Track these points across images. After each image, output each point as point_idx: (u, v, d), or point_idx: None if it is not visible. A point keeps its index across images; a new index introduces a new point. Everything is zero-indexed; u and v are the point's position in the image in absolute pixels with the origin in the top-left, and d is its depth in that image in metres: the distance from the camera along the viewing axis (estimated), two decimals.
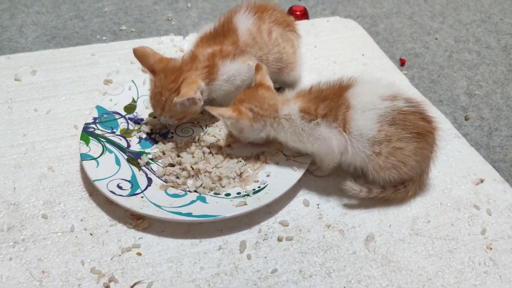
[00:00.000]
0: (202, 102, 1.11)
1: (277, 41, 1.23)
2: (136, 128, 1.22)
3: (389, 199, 1.05)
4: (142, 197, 1.02)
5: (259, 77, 1.11)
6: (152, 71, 1.14)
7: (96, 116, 1.20)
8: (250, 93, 1.08)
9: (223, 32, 1.19)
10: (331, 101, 1.01)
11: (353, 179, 1.05)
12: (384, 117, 0.97)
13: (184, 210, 0.99)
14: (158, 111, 1.14)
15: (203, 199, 1.04)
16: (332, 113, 1.00)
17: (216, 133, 1.21)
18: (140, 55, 1.15)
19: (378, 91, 1.00)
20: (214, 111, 1.05)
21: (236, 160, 1.14)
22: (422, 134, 0.99)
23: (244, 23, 1.20)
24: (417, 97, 1.07)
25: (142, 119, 1.25)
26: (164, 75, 1.11)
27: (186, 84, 1.08)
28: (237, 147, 1.17)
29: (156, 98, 1.12)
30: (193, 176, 1.09)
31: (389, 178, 1.01)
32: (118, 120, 1.22)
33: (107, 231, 0.99)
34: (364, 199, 1.05)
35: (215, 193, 1.06)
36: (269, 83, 1.12)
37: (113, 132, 1.18)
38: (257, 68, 1.13)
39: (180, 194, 1.05)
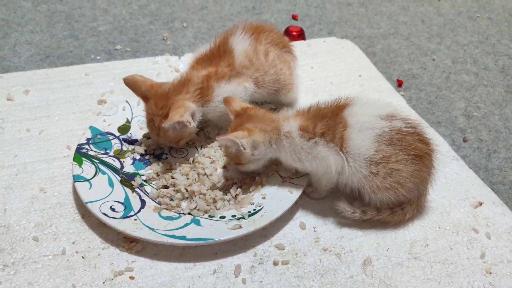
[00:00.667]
0: (194, 123, 1.11)
1: (274, 62, 1.23)
2: (130, 149, 1.21)
3: (385, 221, 1.04)
4: (135, 219, 1.00)
5: (238, 104, 1.10)
6: (145, 98, 1.14)
7: (90, 136, 1.19)
8: (246, 116, 1.07)
9: (219, 54, 1.19)
10: (329, 119, 1.01)
11: (349, 202, 1.04)
12: (382, 137, 0.97)
13: (178, 233, 0.97)
14: (155, 137, 1.15)
15: (197, 222, 1.02)
16: (330, 132, 1.00)
17: (211, 154, 1.20)
18: (131, 84, 1.15)
19: (376, 111, 1.00)
20: (226, 136, 1.01)
21: (231, 181, 1.12)
22: (420, 156, 0.98)
23: (241, 44, 1.20)
24: (415, 118, 1.07)
25: (136, 140, 1.23)
26: (154, 102, 1.12)
27: (173, 109, 1.08)
28: (232, 168, 1.16)
29: (150, 125, 1.13)
30: (187, 198, 1.08)
31: (386, 200, 1.00)
32: (112, 141, 1.21)
33: (99, 254, 0.97)
34: (359, 221, 1.04)
35: (209, 216, 1.04)
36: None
37: (107, 153, 1.17)
38: (227, 100, 1.11)
39: (174, 216, 1.04)
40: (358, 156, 0.98)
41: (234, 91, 1.17)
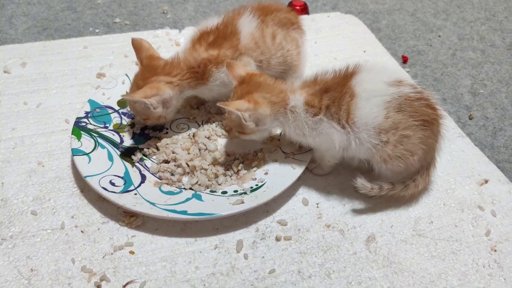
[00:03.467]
0: (161, 109, 1.09)
1: (281, 45, 1.20)
2: (129, 123, 1.19)
3: (400, 196, 1.02)
4: (135, 194, 0.99)
5: (242, 69, 1.06)
6: (141, 64, 1.14)
7: (88, 110, 1.17)
8: (254, 83, 1.03)
9: (224, 34, 1.15)
10: (334, 91, 0.98)
11: (359, 176, 1.01)
12: (391, 104, 0.94)
13: (179, 208, 0.96)
14: (128, 103, 1.17)
15: (198, 197, 1.01)
16: (335, 103, 0.97)
17: (213, 129, 1.18)
18: (137, 46, 1.15)
19: (383, 77, 0.97)
20: (228, 106, 0.97)
21: (233, 157, 1.11)
22: (429, 121, 0.96)
23: (247, 27, 1.16)
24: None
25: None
26: (142, 70, 1.12)
27: (147, 86, 1.07)
28: (234, 143, 1.14)
29: (130, 90, 1.14)
30: (188, 173, 1.07)
31: (396, 170, 0.98)
32: (111, 115, 1.19)
33: (98, 229, 0.97)
34: (366, 198, 1.02)
35: (211, 191, 1.03)
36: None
37: (106, 127, 1.15)
38: (230, 65, 1.06)
39: (175, 191, 1.03)
40: (366, 126, 0.95)
41: None
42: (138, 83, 1.10)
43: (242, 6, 1.23)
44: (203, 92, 1.17)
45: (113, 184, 1.00)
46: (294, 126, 1.01)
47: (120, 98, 1.22)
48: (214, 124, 1.20)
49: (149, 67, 1.11)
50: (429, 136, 0.97)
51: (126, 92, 1.21)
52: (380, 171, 1.00)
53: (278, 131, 1.14)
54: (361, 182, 0.99)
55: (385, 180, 1.01)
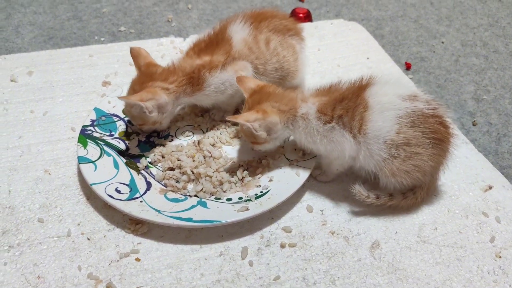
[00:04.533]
0: (156, 113, 1.10)
1: (276, 51, 1.21)
2: (135, 131, 1.20)
3: (398, 206, 1.02)
4: (141, 201, 1.00)
5: (252, 82, 1.08)
6: (139, 71, 1.15)
7: (94, 118, 1.18)
8: (264, 94, 1.04)
9: (217, 42, 1.16)
10: (349, 101, 0.98)
11: (358, 183, 1.02)
12: (404, 119, 0.94)
13: (184, 215, 0.96)
14: (124, 108, 1.18)
15: (203, 204, 1.01)
16: (348, 113, 0.97)
17: (217, 136, 1.18)
18: (135, 54, 1.16)
19: (398, 91, 0.97)
20: (238, 119, 0.99)
21: (237, 164, 1.11)
22: (441, 140, 0.96)
23: (239, 33, 1.17)
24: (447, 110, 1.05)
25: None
26: (139, 76, 1.13)
27: (143, 90, 1.08)
28: (239, 151, 1.15)
29: (127, 94, 1.14)
30: (193, 180, 1.07)
31: (401, 183, 0.99)
32: (117, 123, 1.20)
33: (104, 236, 0.97)
34: (370, 205, 1.02)
35: (216, 198, 1.04)
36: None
37: (112, 135, 1.16)
38: (240, 79, 1.08)
39: (180, 198, 1.03)
40: (377, 139, 0.95)
41: (230, 80, 1.14)
42: (135, 87, 1.11)
43: (234, 14, 1.23)
44: (201, 99, 1.17)
45: (119, 191, 1.01)
46: (305, 133, 1.02)
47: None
48: (218, 131, 1.21)
49: (146, 73, 1.12)
50: (439, 154, 0.97)
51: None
52: (386, 184, 1.00)
53: (291, 138, 1.15)
54: (358, 189, 1.00)
55: (388, 190, 1.02)
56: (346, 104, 0.98)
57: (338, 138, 0.98)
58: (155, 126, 1.15)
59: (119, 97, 1.08)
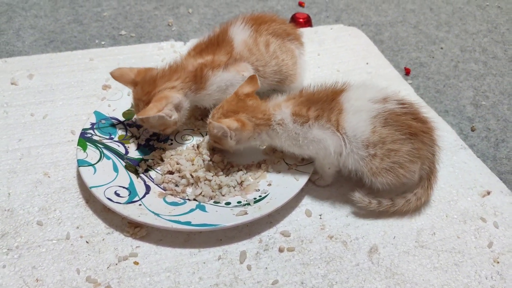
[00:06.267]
0: (176, 115, 1.10)
1: (275, 54, 1.21)
2: (134, 134, 1.20)
3: (401, 211, 1.03)
4: (140, 204, 1.00)
5: (246, 89, 1.09)
6: (134, 84, 1.13)
7: (94, 121, 1.19)
8: (241, 104, 1.06)
9: (218, 43, 1.17)
10: (323, 103, 1.01)
11: (358, 190, 1.03)
12: (377, 118, 0.97)
13: (183, 218, 0.97)
14: (141, 123, 1.15)
15: (202, 208, 1.01)
16: (325, 114, 0.99)
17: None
18: (119, 75, 1.14)
19: (369, 95, 1.00)
20: (221, 123, 1.01)
21: (236, 168, 1.11)
22: (416, 134, 0.98)
23: (240, 35, 1.18)
24: (423, 106, 1.06)
25: (141, 125, 1.22)
26: (141, 86, 1.11)
27: (155, 100, 1.07)
28: (238, 155, 1.15)
29: (136, 110, 1.13)
30: (192, 184, 1.07)
31: (387, 182, 1.00)
32: (117, 126, 1.20)
33: (103, 239, 0.97)
34: (369, 210, 1.03)
35: (215, 202, 1.04)
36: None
37: (111, 138, 1.16)
38: (251, 79, 1.10)
39: (179, 202, 1.03)
40: (355, 138, 0.98)
41: (232, 80, 1.15)
42: (143, 99, 1.10)
43: (234, 17, 1.24)
44: (204, 98, 1.17)
45: (118, 195, 1.01)
46: (284, 138, 1.04)
47: (125, 109, 1.23)
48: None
49: (146, 82, 1.11)
50: (419, 148, 0.99)
51: (130, 110, 1.24)
52: (372, 184, 1.01)
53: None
54: (359, 196, 1.01)
55: (383, 193, 1.02)
56: (321, 105, 1.00)
57: (319, 136, 0.99)
58: (177, 125, 1.15)
59: (138, 117, 1.08)
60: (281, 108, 1.04)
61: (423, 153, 1.00)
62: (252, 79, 1.09)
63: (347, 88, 1.03)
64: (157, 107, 1.06)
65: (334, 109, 0.99)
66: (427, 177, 1.03)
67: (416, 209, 1.04)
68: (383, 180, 0.99)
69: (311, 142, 1.01)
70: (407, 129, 0.97)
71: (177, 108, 1.11)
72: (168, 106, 1.07)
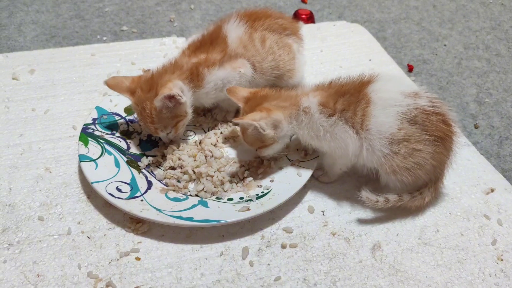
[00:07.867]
0: (185, 98, 1.07)
1: (272, 49, 1.20)
2: (136, 129, 1.19)
3: (407, 207, 1.01)
4: (141, 200, 0.99)
5: (244, 91, 1.07)
6: (131, 93, 1.10)
7: (96, 117, 1.18)
8: (260, 97, 1.04)
9: (211, 41, 1.16)
10: (350, 95, 0.98)
11: (362, 186, 1.01)
12: (406, 115, 0.94)
13: (185, 214, 0.96)
14: (151, 128, 1.09)
15: (204, 204, 1.01)
16: (351, 108, 0.97)
17: (219, 136, 1.18)
18: (114, 84, 1.11)
19: (400, 88, 0.97)
20: (243, 119, 0.99)
21: (239, 164, 1.11)
22: (442, 138, 0.96)
23: (234, 32, 1.17)
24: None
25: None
26: (140, 89, 1.08)
27: (160, 87, 1.05)
28: (240, 150, 1.14)
29: (142, 115, 1.08)
30: (194, 180, 1.07)
31: (402, 181, 0.98)
32: (118, 122, 1.20)
33: (105, 235, 0.97)
34: (374, 207, 1.02)
35: (217, 198, 1.03)
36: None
37: (113, 134, 1.16)
38: (231, 90, 1.08)
39: (181, 198, 1.03)
40: (379, 134, 0.95)
41: (228, 77, 1.14)
42: (147, 96, 1.06)
43: (229, 14, 1.23)
44: (201, 97, 1.16)
45: (119, 190, 1.01)
46: (308, 128, 1.01)
47: (127, 105, 1.22)
48: (219, 130, 1.21)
49: (144, 82, 1.08)
50: (441, 152, 0.97)
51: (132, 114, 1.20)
52: (387, 182, 1.00)
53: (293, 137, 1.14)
54: (366, 195, 0.99)
55: (391, 190, 1.01)
56: (348, 98, 0.98)
57: (341, 134, 0.98)
58: (188, 116, 1.12)
59: (155, 103, 1.04)
60: (308, 97, 1.02)
61: (443, 158, 0.99)
62: (231, 90, 1.08)
63: (376, 79, 1.00)
64: (168, 87, 1.03)
65: (361, 101, 0.97)
66: (435, 180, 1.02)
67: (419, 208, 1.03)
68: (401, 178, 0.98)
69: (333, 139, 0.99)
70: (435, 131, 0.95)
71: (184, 92, 1.08)
72: (175, 87, 1.04)
